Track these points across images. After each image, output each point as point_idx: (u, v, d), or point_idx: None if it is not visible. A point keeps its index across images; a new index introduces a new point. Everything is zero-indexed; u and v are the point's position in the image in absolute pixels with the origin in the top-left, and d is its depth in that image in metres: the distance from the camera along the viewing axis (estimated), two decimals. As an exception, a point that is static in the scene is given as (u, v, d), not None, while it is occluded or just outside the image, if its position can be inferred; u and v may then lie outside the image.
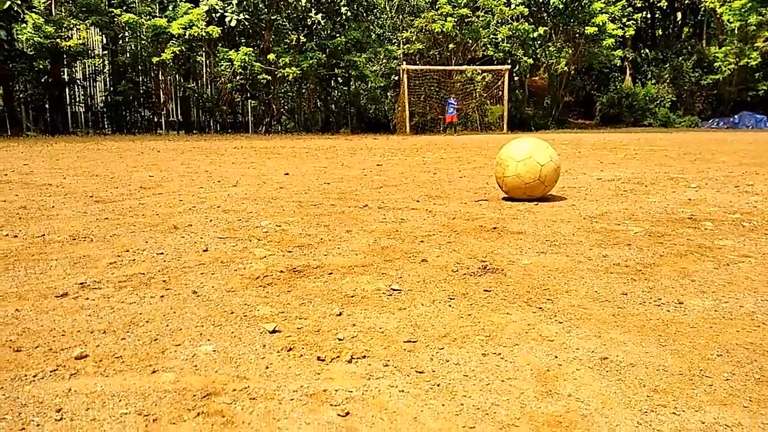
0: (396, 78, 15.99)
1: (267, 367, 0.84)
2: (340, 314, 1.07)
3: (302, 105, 16.25)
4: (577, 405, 0.74)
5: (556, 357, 0.89)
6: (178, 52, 13.57)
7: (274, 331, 0.98)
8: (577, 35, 17.61)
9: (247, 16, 13.77)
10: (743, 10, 18.51)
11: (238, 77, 14.32)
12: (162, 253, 1.53)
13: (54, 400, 0.74)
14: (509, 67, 15.79)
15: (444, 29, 14.51)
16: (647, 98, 19.87)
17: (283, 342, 0.93)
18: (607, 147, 7.15)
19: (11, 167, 4.40)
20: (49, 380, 0.79)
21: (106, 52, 15.02)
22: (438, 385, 0.79)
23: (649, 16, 24.35)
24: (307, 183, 3.22)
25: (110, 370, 0.83)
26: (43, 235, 1.77)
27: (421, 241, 1.69)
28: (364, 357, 0.88)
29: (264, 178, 3.55)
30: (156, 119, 15.37)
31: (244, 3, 13.53)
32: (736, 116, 18.93)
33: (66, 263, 1.43)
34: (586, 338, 0.96)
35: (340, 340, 0.95)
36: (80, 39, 13.14)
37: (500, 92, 15.37)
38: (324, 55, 14.51)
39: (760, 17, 18.42)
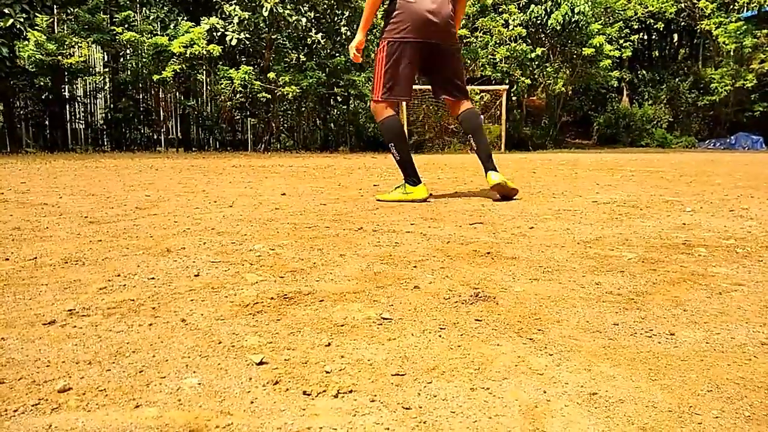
0: (395, 97, 16.07)
1: (252, 402, 0.83)
2: (329, 345, 1.06)
3: (301, 123, 16.34)
4: (564, 444, 0.73)
5: (545, 392, 0.88)
6: (178, 70, 13.67)
7: (261, 363, 0.97)
8: (574, 56, 17.81)
9: (247, 36, 13.89)
10: (738, 32, 18.78)
11: (238, 95, 14.41)
12: (153, 278, 1.52)
13: (33, 437, 0.72)
14: (507, 87, 15.92)
15: (442, 49, 14.63)
16: (644, 119, 20.04)
17: (269, 375, 0.92)
18: (604, 168, 7.18)
19: (8, 185, 4.40)
20: (30, 415, 0.78)
21: (107, 69, 15.12)
22: (424, 422, 0.78)
23: (645, 37, 24.65)
24: (303, 204, 3.22)
25: (93, 405, 0.82)
26: (35, 257, 1.77)
27: (414, 267, 1.68)
28: (350, 391, 0.87)
29: (260, 198, 3.55)
30: (155, 136, 15.42)
31: (245, 22, 13.66)
32: (732, 137, 19.09)
33: (56, 288, 1.42)
34: (576, 372, 0.96)
35: (327, 372, 0.94)
36: (81, 56, 13.23)
37: (498, 112, 15.48)
38: (324, 74, 14.62)
39: (755, 40, 18.68)
